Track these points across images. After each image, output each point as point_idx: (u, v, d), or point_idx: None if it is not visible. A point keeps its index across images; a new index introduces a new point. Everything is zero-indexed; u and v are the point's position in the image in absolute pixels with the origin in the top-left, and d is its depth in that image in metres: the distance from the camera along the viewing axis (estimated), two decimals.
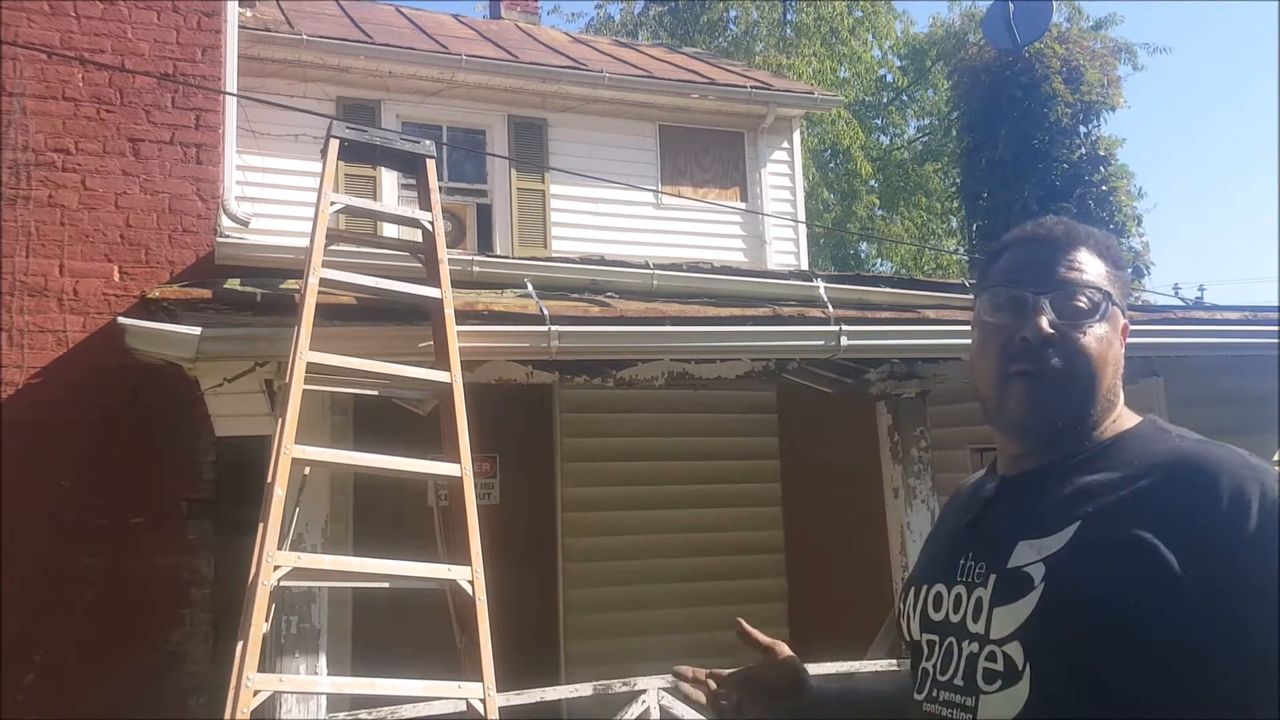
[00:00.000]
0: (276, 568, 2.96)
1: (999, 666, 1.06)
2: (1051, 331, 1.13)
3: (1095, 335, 1.14)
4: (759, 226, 8.92)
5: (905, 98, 20.22)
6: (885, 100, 20.08)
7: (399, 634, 4.96)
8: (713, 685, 1.42)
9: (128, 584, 4.61)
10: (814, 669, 1.34)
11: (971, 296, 1.28)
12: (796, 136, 9.47)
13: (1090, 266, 1.17)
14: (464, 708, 3.14)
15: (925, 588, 1.21)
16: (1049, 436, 1.15)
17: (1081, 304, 1.14)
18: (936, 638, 1.16)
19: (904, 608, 1.25)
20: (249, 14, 7.69)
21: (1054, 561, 1.05)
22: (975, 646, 1.10)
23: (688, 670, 1.44)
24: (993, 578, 1.10)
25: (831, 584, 6.01)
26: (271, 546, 2.96)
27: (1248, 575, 0.98)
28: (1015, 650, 1.05)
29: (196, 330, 3.43)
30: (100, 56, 4.99)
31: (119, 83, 5.00)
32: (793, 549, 6.43)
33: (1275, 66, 40.36)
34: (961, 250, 15.85)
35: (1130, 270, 12.24)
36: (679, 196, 8.72)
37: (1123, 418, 1.17)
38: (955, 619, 1.14)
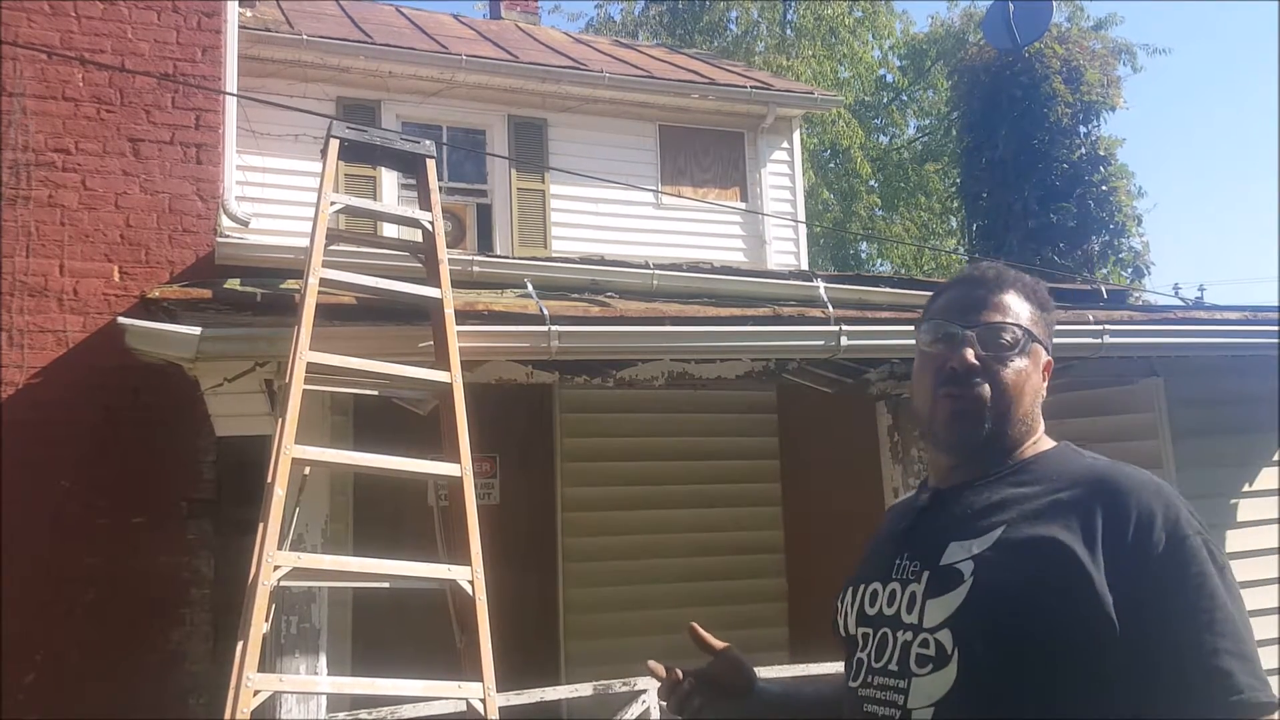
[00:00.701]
0: (276, 568, 2.96)
1: (930, 652, 1.21)
2: (975, 362, 1.31)
3: (1015, 367, 1.33)
4: (759, 226, 8.92)
5: (905, 98, 20.22)
6: (885, 100, 20.07)
7: (399, 634, 4.96)
8: (685, 684, 1.51)
9: (128, 584, 4.61)
10: (781, 670, 1.42)
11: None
12: (796, 136, 9.47)
13: (1015, 307, 1.36)
14: (464, 708, 3.14)
15: (863, 586, 1.36)
16: (971, 452, 1.32)
17: (1004, 340, 1.33)
18: (871, 630, 1.31)
19: (841, 606, 1.40)
20: (249, 14, 7.69)
21: (981, 558, 1.21)
22: (909, 635, 1.24)
23: (660, 669, 1.53)
24: (926, 574, 1.26)
25: (831, 584, 6.00)
26: (271, 546, 2.96)
27: (1149, 584, 1.13)
28: (945, 637, 1.20)
29: (196, 330, 3.43)
30: (100, 56, 4.99)
31: (119, 83, 5.00)
32: (793, 549, 6.43)
33: (1275, 67, 40.38)
34: (961, 250, 15.85)
35: (1131, 269, 12.30)
36: (679, 196, 8.72)
37: (1042, 441, 1.35)
38: (889, 612, 1.29)
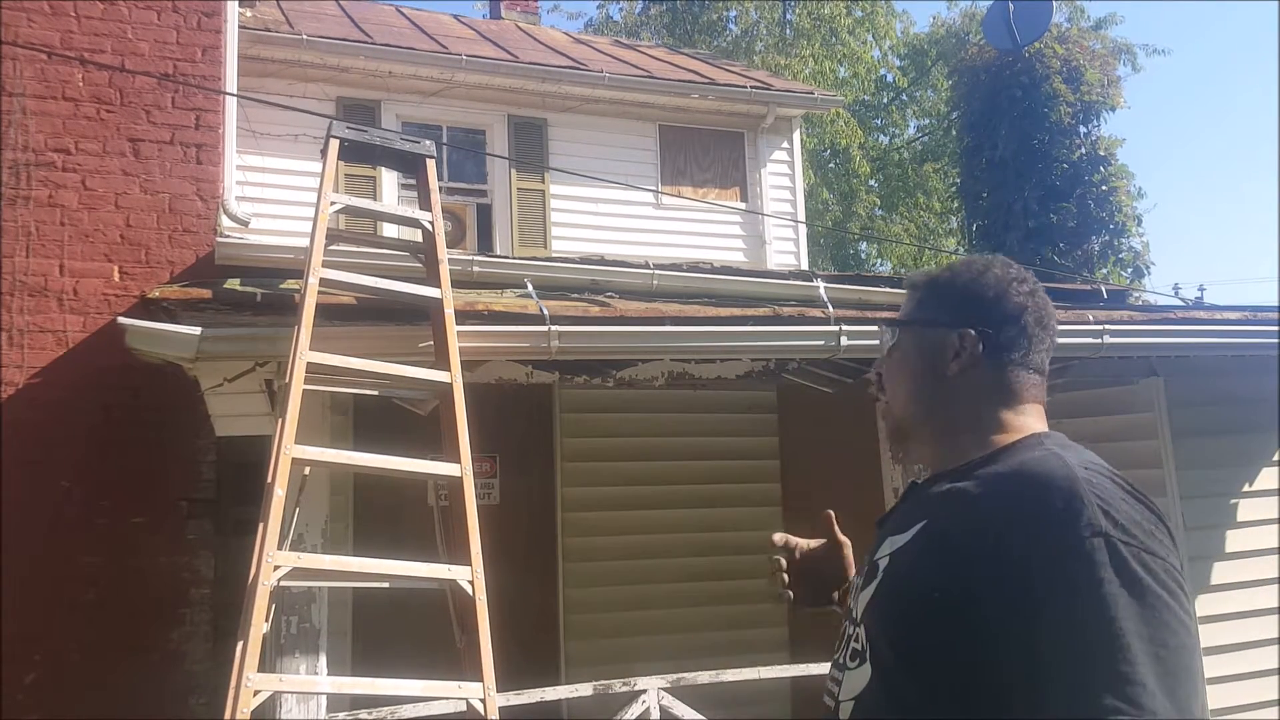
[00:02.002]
0: (276, 568, 2.96)
1: (859, 646, 1.22)
2: (873, 379, 1.40)
3: (891, 367, 1.37)
4: (759, 226, 8.92)
5: (905, 97, 20.21)
6: (885, 100, 20.07)
7: (399, 634, 4.96)
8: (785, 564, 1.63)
9: (128, 584, 4.61)
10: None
11: None
12: (796, 136, 9.47)
13: (905, 304, 1.38)
14: (464, 708, 3.14)
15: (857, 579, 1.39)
16: (909, 457, 1.37)
17: (880, 344, 1.38)
18: (845, 620, 1.34)
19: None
20: (249, 14, 7.69)
21: (895, 555, 1.21)
22: (850, 628, 1.27)
23: (779, 537, 1.66)
24: (866, 568, 1.28)
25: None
26: (271, 546, 2.96)
27: (1039, 583, 1.02)
28: (863, 632, 1.21)
29: (196, 330, 3.43)
30: (100, 56, 4.99)
31: (119, 83, 5.00)
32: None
33: (1275, 67, 40.37)
34: (961, 250, 15.84)
35: (1131, 269, 12.29)
36: (679, 196, 8.72)
37: (1019, 430, 1.25)
38: (851, 604, 1.32)
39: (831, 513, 1.64)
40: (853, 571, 1.59)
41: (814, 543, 1.66)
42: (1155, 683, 0.96)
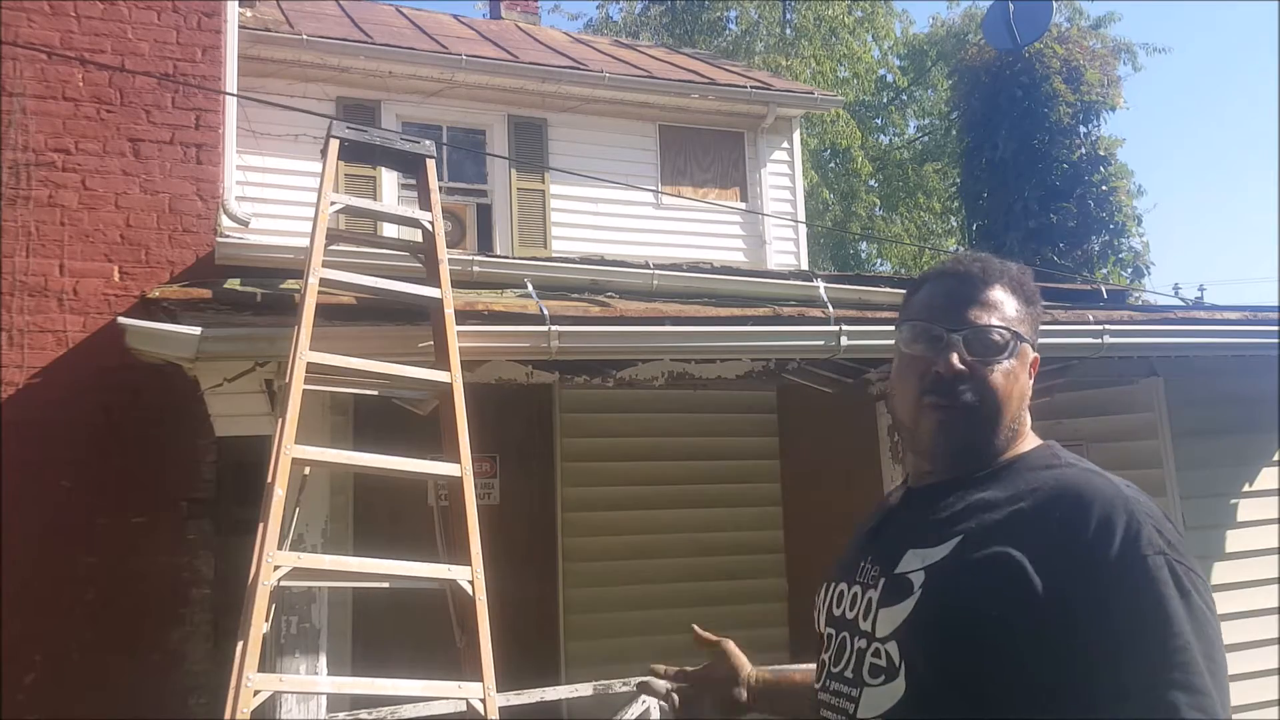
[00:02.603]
0: (276, 568, 2.96)
1: (882, 662, 1.17)
2: (962, 368, 1.23)
3: (1003, 371, 1.24)
4: (759, 226, 8.91)
5: (905, 98, 20.21)
6: (885, 100, 20.07)
7: (399, 634, 4.97)
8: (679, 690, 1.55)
9: (128, 584, 4.61)
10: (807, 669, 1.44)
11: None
12: (796, 136, 9.47)
13: (1003, 304, 1.27)
14: (464, 708, 3.14)
15: (833, 585, 1.32)
16: (954, 460, 1.25)
17: (991, 342, 1.24)
18: (834, 631, 1.28)
19: (817, 602, 1.37)
20: (249, 14, 7.69)
21: (933, 570, 1.16)
22: (864, 643, 1.20)
23: (660, 669, 1.58)
24: (882, 581, 1.21)
25: None
26: (271, 546, 2.96)
27: (1104, 599, 1.06)
28: (893, 649, 1.16)
29: (196, 330, 3.43)
30: (100, 56, 4.99)
31: (119, 83, 5.00)
32: (793, 549, 6.43)
33: (1275, 67, 40.36)
34: (961, 250, 15.85)
35: (1131, 269, 12.29)
36: (679, 196, 8.71)
37: (1026, 442, 1.27)
38: (850, 616, 1.25)
39: (696, 626, 1.63)
40: (745, 663, 1.56)
41: (693, 667, 1.59)
42: (1215, 693, 1.03)
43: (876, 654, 1.18)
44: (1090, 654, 1.05)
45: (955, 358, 1.23)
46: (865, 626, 1.21)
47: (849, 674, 1.21)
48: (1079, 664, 1.05)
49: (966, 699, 1.09)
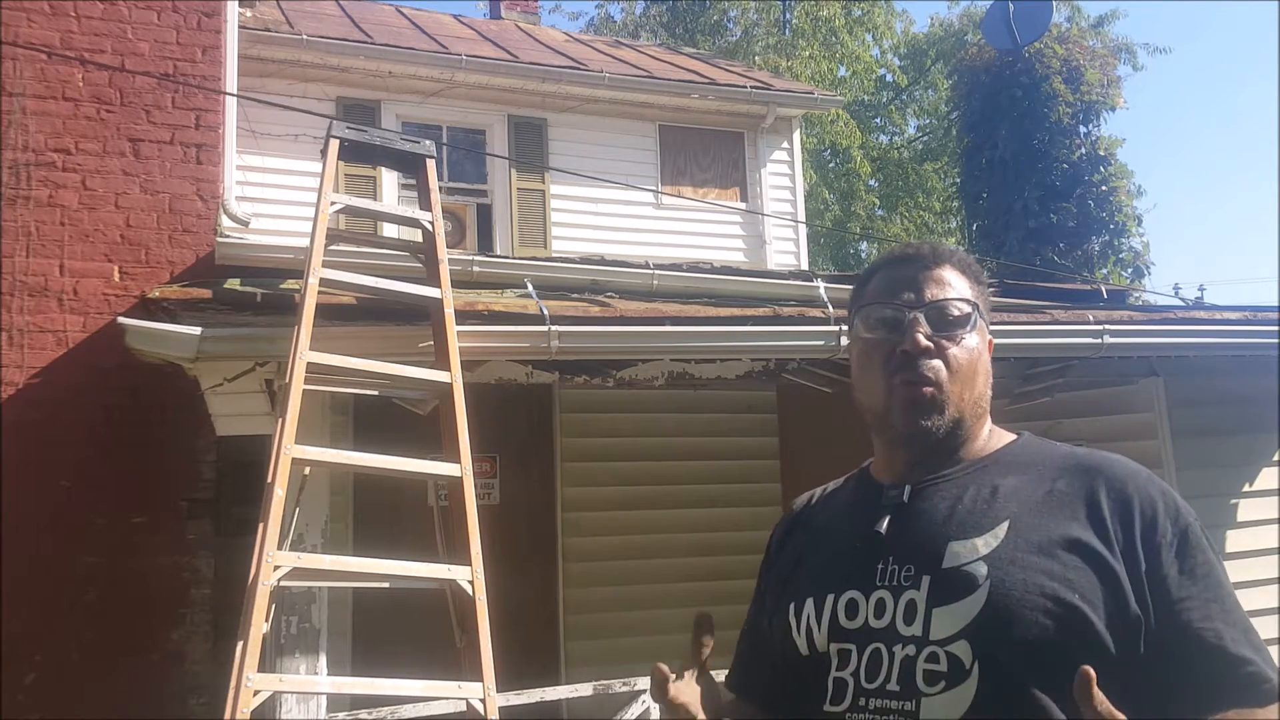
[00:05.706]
0: (276, 568, 2.96)
1: (942, 667, 1.08)
2: (929, 344, 1.21)
3: (967, 345, 1.23)
4: (759, 226, 8.92)
5: (905, 97, 20.22)
6: (885, 100, 20.08)
7: (399, 634, 4.96)
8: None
9: (128, 584, 4.61)
10: None
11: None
12: (796, 136, 9.48)
13: (956, 282, 1.26)
14: (464, 708, 3.14)
15: (831, 597, 1.20)
16: (932, 442, 1.22)
17: (953, 316, 1.23)
18: (855, 646, 1.16)
19: (796, 621, 1.23)
20: (249, 14, 7.69)
21: (996, 559, 1.11)
22: (912, 649, 1.11)
23: (664, 668, 1.39)
24: (926, 579, 1.13)
25: None
26: (271, 546, 2.96)
27: (1165, 576, 1.10)
28: (962, 649, 1.08)
29: (196, 330, 3.43)
30: (100, 56, 4.99)
31: (119, 83, 5.00)
32: None
33: (1275, 67, 40.37)
34: (962, 250, 15.84)
35: (1131, 270, 12.28)
36: (679, 196, 8.72)
37: (997, 430, 1.28)
38: (880, 624, 1.15)
39: (700, 624, 1.42)
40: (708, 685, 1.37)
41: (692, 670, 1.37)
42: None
43: (933, 659, 1.09)
44: (1162, 623, 1.08)
45: (921, 335, 1.21)
46: (910, 631, 1.12)
47: (894, 686, 1.11)
48: (1153, 634, 1.08)
49: (1054, 687, 1.04)
